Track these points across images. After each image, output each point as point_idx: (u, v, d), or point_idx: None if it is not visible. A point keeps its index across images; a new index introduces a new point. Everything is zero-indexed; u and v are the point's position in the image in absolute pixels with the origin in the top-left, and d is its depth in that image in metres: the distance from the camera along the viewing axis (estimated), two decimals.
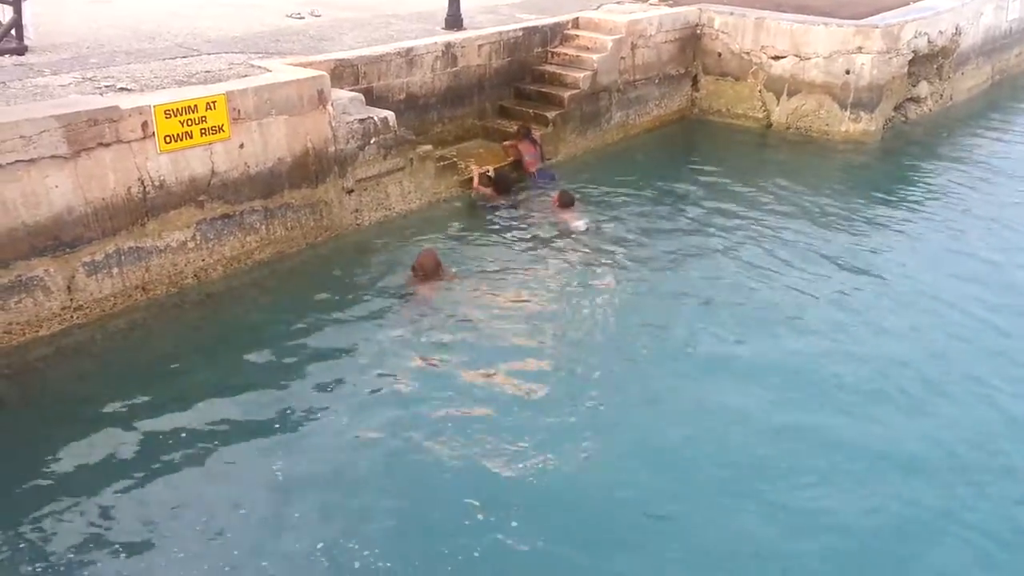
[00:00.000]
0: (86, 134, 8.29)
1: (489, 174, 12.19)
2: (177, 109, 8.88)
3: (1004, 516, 6.70)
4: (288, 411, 7.57)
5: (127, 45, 11.59)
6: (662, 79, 15.82)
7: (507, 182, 12.25)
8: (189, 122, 8.98)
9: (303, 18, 14.03)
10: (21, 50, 10.77)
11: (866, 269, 10.64)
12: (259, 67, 10.49)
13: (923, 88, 16.92)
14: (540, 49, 14.47)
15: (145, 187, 8.83)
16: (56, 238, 8.28)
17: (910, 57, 15.85)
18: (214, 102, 9.15)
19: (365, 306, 9.28)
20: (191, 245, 9.32)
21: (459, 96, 13.31)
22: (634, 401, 7.97)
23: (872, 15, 15.80)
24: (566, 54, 14.53)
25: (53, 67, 10.29)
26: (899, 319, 9.46)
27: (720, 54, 16.22)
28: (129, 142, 8.63)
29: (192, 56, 11.10)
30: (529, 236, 11.15)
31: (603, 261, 10.60)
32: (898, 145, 15.60)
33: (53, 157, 8.12)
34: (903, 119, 16.55)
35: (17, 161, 7.90)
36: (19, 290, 8.11)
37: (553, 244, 10.99)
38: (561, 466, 7.00)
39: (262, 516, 6.41)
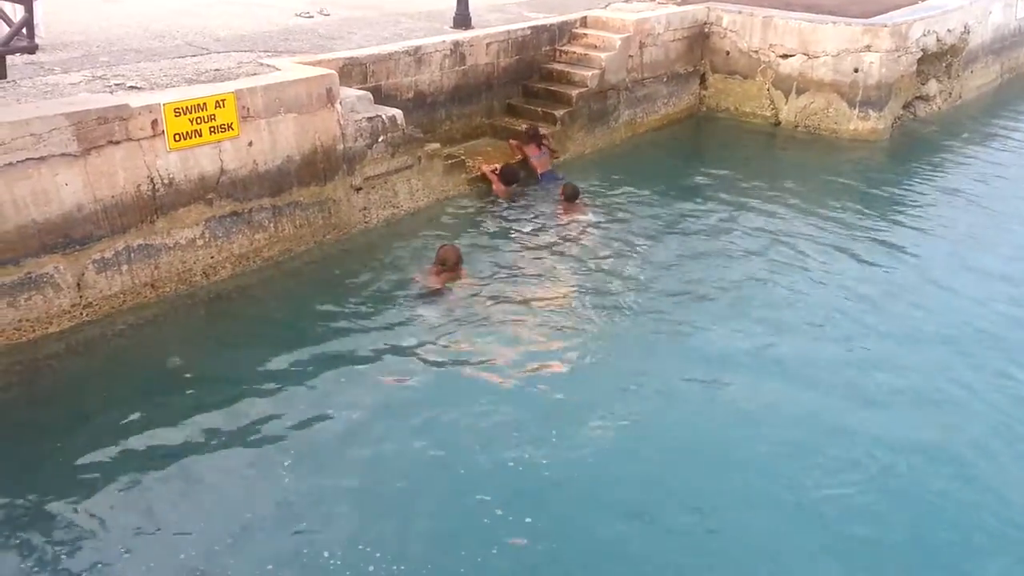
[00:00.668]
0: (96, 132, 8.34)
1: (495, 170, 12.22)
2: (186, 107, 8.92)
3: None
4: (298, 408, 7.59)
5: (137, 43, 11.64)
6: (670, 77, 15.81)
7: (512, 174, 12.26)
8: (198, 120, 9.01)
9: (312, 17, 14.07)
10: (32, 48, 10.81)
11: (877, 266, 10.64)
12: (268, 66, 10.53)
13: (932, 86, 16.88)
14: (548, 47, 14.48)
15: (154, 185, 8.87)
16: (66, 235, 8.32)
17: (919, 55, 15.81)
18: (223, 100, 9.19)
19: (373, 303, 9.30)
20: (200, 243, 9.36)
21: (467, 94, 13.33)
22: (648, 396, 7.99)
23: (881, 13, 15.75)
24: (574, 52, 14.53)
25: (63, 65, 10.35)
26: (911, 315, 9.46)
27: (728, 52, 16.21)
28: (139, 140, 8.67)
29: (201, 54, 11.14)
30: (536, 231, 11.19)
31: (611, 256, 10.62)
32: (907, 143, 15.57)
33: (63, 155, 8.17)
34: (912, 117, 16.52)
35: (28, 159, 7.95)
36: (29, 287, 8.16)
37: (560, 238, 11.04)
38: (575, 462, 7.02)
39: (270, 514, 6.43)
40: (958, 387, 8.20)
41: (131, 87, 9.45)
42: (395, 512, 6.48)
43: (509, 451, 7.10)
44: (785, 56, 15.65)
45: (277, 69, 10.33)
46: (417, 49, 12.38)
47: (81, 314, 8.57)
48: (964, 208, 12.68)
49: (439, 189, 11.87)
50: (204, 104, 9.04)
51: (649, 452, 7.24)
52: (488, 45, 13.44)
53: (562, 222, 11.51)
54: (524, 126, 13.24)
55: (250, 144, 9.54)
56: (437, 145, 11.97)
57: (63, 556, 5.99)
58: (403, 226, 11.16)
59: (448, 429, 7.37)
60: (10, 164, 7.83)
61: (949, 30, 16.54)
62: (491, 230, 11.19)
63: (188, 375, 8.02)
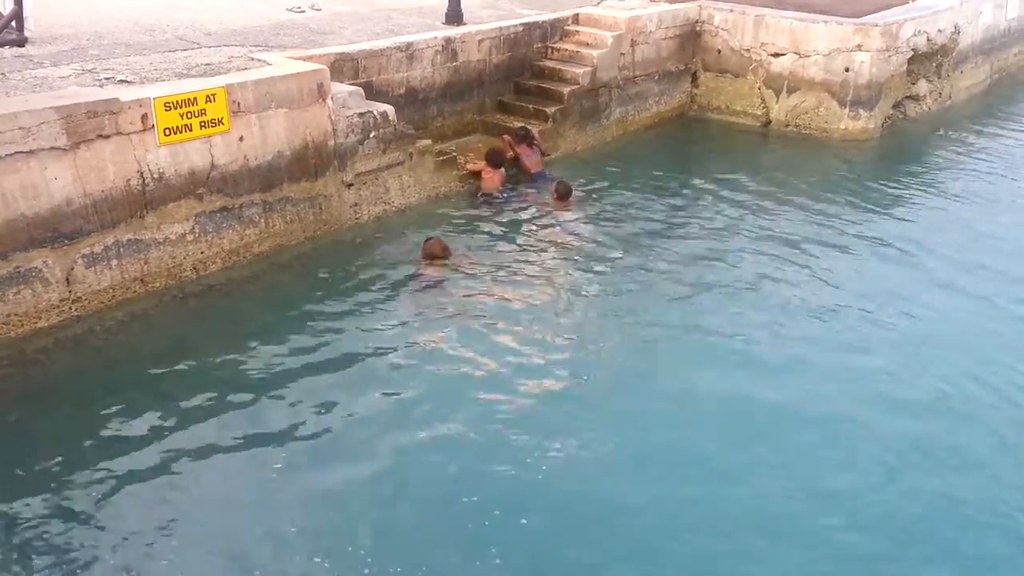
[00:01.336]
0: (85, 126, 8.30)
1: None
2: (177, 102, 8.88)
3: None
4: (287, 404, 7.58)
5: (127, 37, 11.59)
6: (662, 75, 15.82)
7: (498, 155, 12.24)
8: (189, 115, 8.98)
9: (304, 12, 14.02)
10: (21, 41, 10.77)
11: (867, 264, 10.69)
12: (259, 60, 10.49)
13: (922, 86, 16.94)
14: (540, 44, 14.48)
15: (144, 179, 8.83)
16: (55, 230, 8.28)
17: (909, 55, 15.87)
18: (214, 95, 9.15)
19: (363, 299, 9.29)
20: (190, 238, 9.33)
21: (459, 91, 13.31)
22: (641, 394, 8.03)
23: (872, 13, 15.80)
24: (566, 50, 14.53)
25: (53, 59, 10.29)
26: (902, 312, 9.49)
27: (720, 51, 16.22)
28: (128, 134, 8.63)
29: (192, 49, 11.10)
30: (528, 228, 11.20)
31: (603, 254, 10.64)
32: (897, 143, 15.64)
33: (52, 149, 8.13)
34: (902, 117, 16.58)
35: (16, 152, 7.90)
36: (18, 281, 8.12)
37: (552, 235, 11.06)
38: (567, 461, 7.02)
39: (261, 512, 6.41)
40: (956, 383, 8.25)
41: (121, 81, 9.40)
42: (386, 512, 6.47)
43: (500, 451, 7.10)
44: (776, 55, 15.68)
45: (268, 64, 10.30)
46: (409, 45, 12.36)
47: (70, 309, 8.53)
48: (954, 207, 12.73)
49: (430, 186, 11.85)
50: (194, 99, 9.00)
51: (643, 452, 7.25)
52: (480, 42, 13.42)
53: (554, 219, 11.51)
54: (517, 124, 13.21)
55: (241, 139, 9.51)
56: (428, 141, 11.95)
57: (47, 551, 5.96)
58: (394, 222, 11.15)
59: (439, 425, 7.36)
60: None
61: (939, 30, 16.60)
62: (482, 227, 11.18)
63: (177, 371, 7.99)
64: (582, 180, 12.85)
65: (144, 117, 8.69)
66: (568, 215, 11.65)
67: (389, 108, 11.11)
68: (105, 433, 7.10)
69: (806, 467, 7.13)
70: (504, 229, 11.15)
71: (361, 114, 10.74)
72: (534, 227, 11.26)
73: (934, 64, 17.11)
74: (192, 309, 9.06)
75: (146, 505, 6.42)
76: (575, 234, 11.13)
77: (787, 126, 15.81)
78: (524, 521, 6.40)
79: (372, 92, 11.60)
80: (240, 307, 9.18)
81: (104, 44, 11.17)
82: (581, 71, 14.13)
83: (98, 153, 8.45)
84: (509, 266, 10.15)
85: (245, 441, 7.12)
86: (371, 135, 10.85)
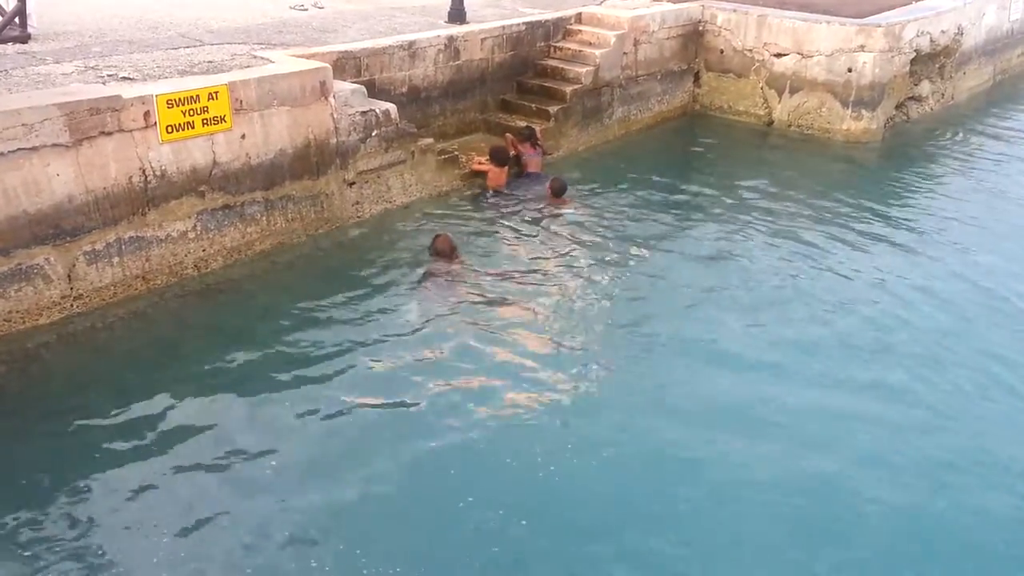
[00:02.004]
0: (88, 123, 8.30)
1: (484, 161, 12.23)
2: (179, 99, 8.88)
3: None
4: (288, 400, 7.58)
5: (130, 34, 11.59)
6: (664, 75, 15.82)
7: (503, 152, 12.26)
8: (191, 112, 8.98)
9: (306, 10, 14.03)
10: (24, 38, 10.77)
11: (868, 266, 10.64)
12: (262, 58, 10.50)
13: (925, 87, 16.93)
14: (543, 43, 14.47)
15: (146, 177, 8.84)
16: (57, 226, 8.29)
17: (912, 56, 15.85)
18: (216, 92, 9.15)
19: (365, 297, 9.29)
20: (192, 235, 9.33)
21: (461, 89, 13.31)
22: (646, 392, 8.04)
23: (875, 14, 15.79)
24: (569, 49, 14.52)
25: (56, 56, 10.30)
26: (900, 317, 9.47)
27: (722, 51, 16.22)
28: (131, 131, 8.64)
29: (195, 46, 11.10)
30: (527, 226, 11.20)
31: (607, 253, 10.63)
32: (899, 144, 15.62)
33: (55, 145, 8.13)
34: (905, 118, 16.56)
35: (19, 149, 7.90)
36: (19, 278, 8.12)
37: (551, 233, 11.07)
38: (575, 462, 7.02)
39: (259, 509, 6.40)
40: (974, 381, 8.30)
41: (124, 78, 9.41)
42: (389, 516, 6.44)
43: (506, 452, 7.08)
44: (779, 55, 15.67)
45: (271, 62, 10.30)
46: (411, 43, 12.36)
47: (71, 306, 8.54)
48: (956, 208, 12.69)
49: (432, 184, 11.85)
50: (197, 96, 9.01)
51: (652, 452, 7.24)
52: (483, 40, 13.42)
53: (551, 217, 11.52)
54: (520, 123, 13.21)
55: (243, 137, 9.51)
56: (431, 140, 11.95)
57: (48, 546, 5.96)
58: (396, 221, 11.14)
59: (444, 425, 7.35)
60: (1, 154, 7.79)
61: (943, 31, 16.59)
62: (483, 225, 11.18)
63: (178, 368, 8.00)
64: (584, 179, 12.86)
65: (147, 114, 8.69)
66: (568, 213, 11.65)
67: (391, 106, 11.11)
68: (106, 430, 7.09)
69: (823, 467, 7.12)
70: (506, 227, 11.15)
71: (363, 112, 10.74)
72: (533, 224, 11.25)
73: (937, 65, 17.09)
74: (194, 307, 9.06)
75: (146, 504, 6.42)
76: (578, 233, 11.11)
77: (789, 126, 15.80)
78: (524, 522, 6.39)
79: (374, 90, 11.60)
80: (242, 305, 9.18)
81: (107, 41, 11.17)
82: (584, 70, 14.13)
83: (100, 150, 8.45)
84: (513, 264, 10.15)
85: (247, 440, 7.10)
86: (373, 133, 10.86)
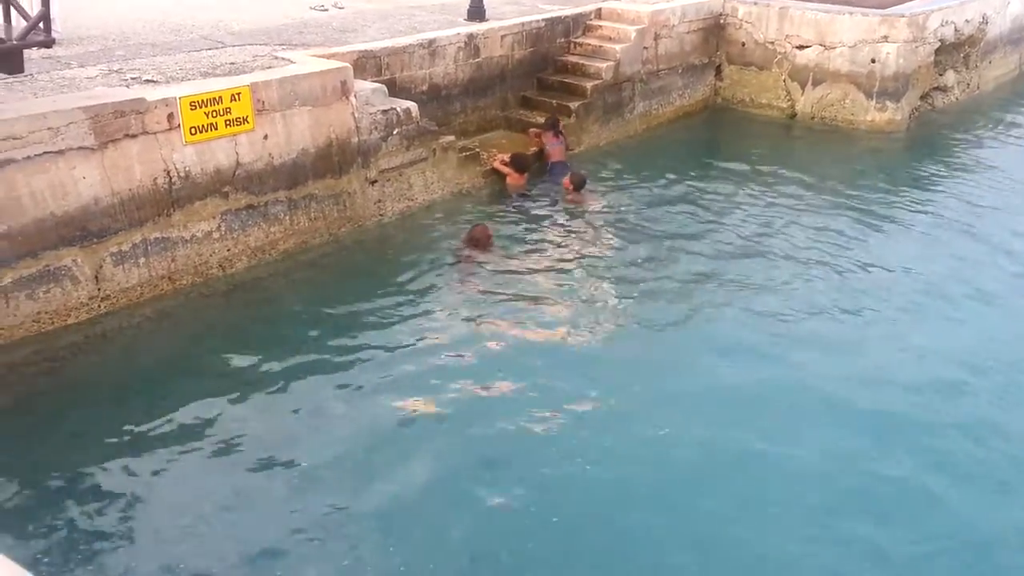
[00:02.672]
0: (113, 126, 8.39)
1: (505, 161, 12.23)
2: (202, 101, 8.95)
3: None
4: (314, 398, 7.63)
5: (153, 37, 11.69)
6: (685, 69, 15.75)
7: (523, 160, 12.28)
8: (214, 113, 9.05)
9: (327, 10, 14.08)
10: (49, 43, 10.83)
11: (897, 259, 10.57)
12: (283, 59, 10.55)
13: (950, 77, 16.75)
14: (563, 39, 14.45)
15: (171, 178, 8.91)
16: (84, 228, 8.38)
17: (936, 46, 15.70)
18: (239, 94, 9.21)
19: (388, 295, 9.32)
20: (216, 235, 9.40)
21: (482, 87, 13.32)
22: (670, 390, 8.01)
23: (898, 4, 15.64)
24: (589, 44, 14.49)
25: (80, 59, 10.40)
26: (926, 308, 9.41)
27: (744, 44, 16.12)
28: (155, 133, 8.72)
29: (217, 48, 11.18)
30: (549, 222, 11.23)
31: (628, 247, 10.68)
32: (924, 134, 15.47)
33: (80, 148, 8.22)
34: (930, 108, 16.40)
35: (45, 152, 8.00)
36: (48, 280, 8.22)
37: (573, 228, 11.12)
38: (607, 458, 7.02)
39: (285, 507, 6.43)
40: (995, 374, 8.22)
41: (147, 81, 9.49)
42: (416, 515, 6.42)
43: (534, 447, 7.10)
44: (801, 47, 15.56)
45: (292, 62, 10.35)
46: (431, 42, 12.38)
47: (99, 306, 8.63)
48: (983, 198, 12.58)
49: (454, 182, 11.87)
50: (219, 97, 9.07)
51: (671, 450, 7.21)
52: (503, 37, 13.42)
53: (572, 212, 11.54)
54: (540, 120, 13.20)
55: (265, 137, 9.57)
56: (452, 138, 11.97)
57: (75, 541, 6.03)
58: (418, 219, 11.18)
59: (464, 426, 7.36)
60: (28, 157, 7.89)
61: (967, 20, 16.40)
62: (505, 222, 11.18)
63: (205, 366, 8.06)
64: (606, 175, 12.84)
65: (170, 116, 8.77)
66: (585, 207, 11.67)
67: (412, 105, 11.14)
68: (133, 428, 7.16)
69: (851, 457, 7.09)
70: (526, 223, 11.17)
71: (384, 111, 10.77)
72: (555, 220, 11.28)
73: (962, 55, 16.91)
74: (219, 306, 9.13)
75: (172, 503, 6.46)
76: (601, 227, 11.12)
77: (813, 119, 15.68)
78: (556, 519, 6.40)
79: (395, 89, 11.62)
80: (267, 304, 9.24)
81: (130, 44, 11.27)
82: (604, 66, 14.09)
83: (125, 152, 8.54)
84: (537, 259, 10.20)
85: (273, 438, 7.15)
86: (394, 132, 10.89)
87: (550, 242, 10.68)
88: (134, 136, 8.57)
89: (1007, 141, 15.26)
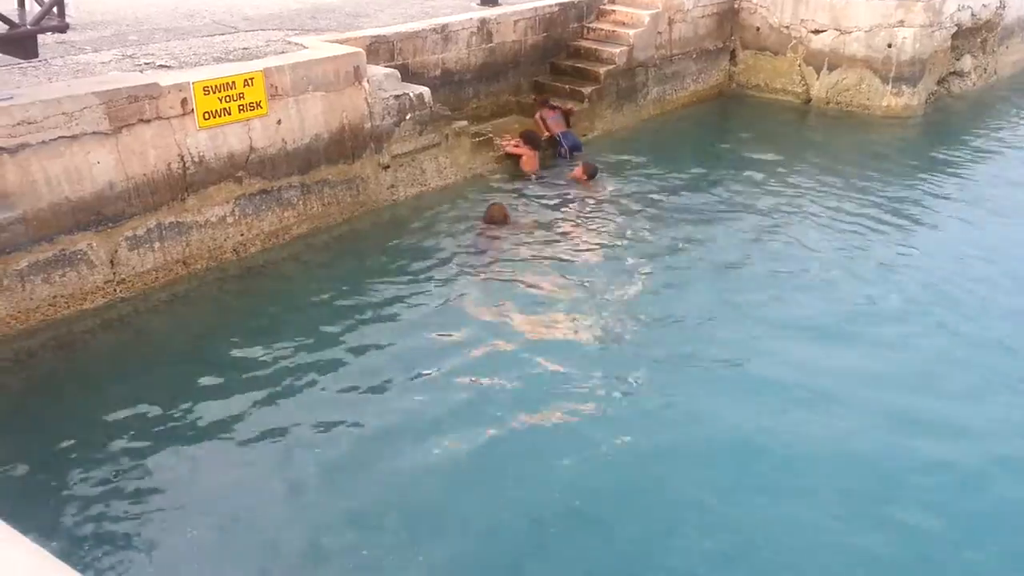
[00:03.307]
0: (127, 111, 8.41)
1: (517, 143, 12.25)
2: (216, 86, 8.96)
3: None
4: (327, 386, 7.64)
5: (166, 23, 11.70)
6: (699, 54, 15.66)
7: (534, 136, 12.33)
8: (227, 99, 9.06)
9: None
10: (63, 28, 10.86)
11: (914, 246, 10.52)
12: (296, 44, 10.55)
13: (967, 62, 16.60)
14: (576, 24, 14.39)
15: (185, 163, 8.94)
16: (99, 213, 8.42)
17: (953, 31, 15.55)
18: (252, 79, 9.22)
19: (401, 280, 9.34)
20: (230, 220, 9.43)
21: (494, 72, 13.29)
22: (694, 376, 7.99)
23: None
24: (602, 29, 14.43)
25: (94, 44, 10.43)
26: (943, 296, 9.33)
27: (759, 28, 16.02)
28: (169, 118, 8.74)
29: (230, 33, 11.18)
30: (562, 209, 11.22)
31: (639, 232, 10.62)
32: (941, 120, 15.35)
33: (95, 133, 8.25)
34: (946, 93, 16.26)
35: (60, 137, 8.03)
36: (63, 264, 8.27)
37: (586, 215, 11.09)
38: (625, 448, 6.98)
39: (301, 497, 6.44)
40: (996, 369, 8.12)
41: (161, 66, 9.51)
42: (436, 505, 6.40)
43: (553, 437, 7.08)
44: (817, 32, 15.45)
45: (305, 47, 10.35)
46: (444, 27, 12.35)
47: (114, 291, 8.68)
48: (1001, 185, 12.47)
49: (466, 167, 11.86)
50: (233, 83, 9.08)
51: (688, 442, 7.16)
52: (515, 22, 13.38)
53: (585, 199, 11.51)
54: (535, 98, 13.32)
55: (278, 122, 9.58)
56: (464, 123, 11.96)
57: (89, 526, 6.07)
58: (430, 204, 11.17)
59: (476, 414, 7.33)
60: (43, 142, 7.92)
61: (984, 5, 16.22)
62: (518, 207, 11.17)
63: (219, 350, 8.10)
64: (619, 161, 12.80)
65: (184, 101, 8.79)
66: (597, 194, 11.64)
67: (425, 90, 11.13)
68: (148, 411, 7.20)
69: (877, 445, 7.03)
70: (539, 209, 11.14)
71: (397, 96, 10.76)
72: (568, 207, 11.27)
73: (979, 39, 16.74)
74: (233, 291, 9.17)
75: (186, 487, 6.50)
76: (612, 215, 11.08)
77: (828, 104, 15.58)
78: (578, 502, 6.39)
79: (408, 74, 11.61)
80: (280, 289, 9.27)
81: (144, 29, 11.29)
82: (617, 51, 14.03)
83: (139, 137, 8.56)
84: (550, 247, 10.17)
85: (288, 423, 7.17)
86: (407, 117, 10.88)
87: (566, 228, 10.67)
88: (148, 121, 8.59)
89: None
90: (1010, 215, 11.35)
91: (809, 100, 15.77)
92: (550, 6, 13.94)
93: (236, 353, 8.05)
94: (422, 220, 10.73)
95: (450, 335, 8.37)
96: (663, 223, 10.90)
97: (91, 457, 6.70)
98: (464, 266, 9.65)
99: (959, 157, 13.55)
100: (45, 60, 9.53)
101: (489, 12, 13.12)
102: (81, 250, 8.37)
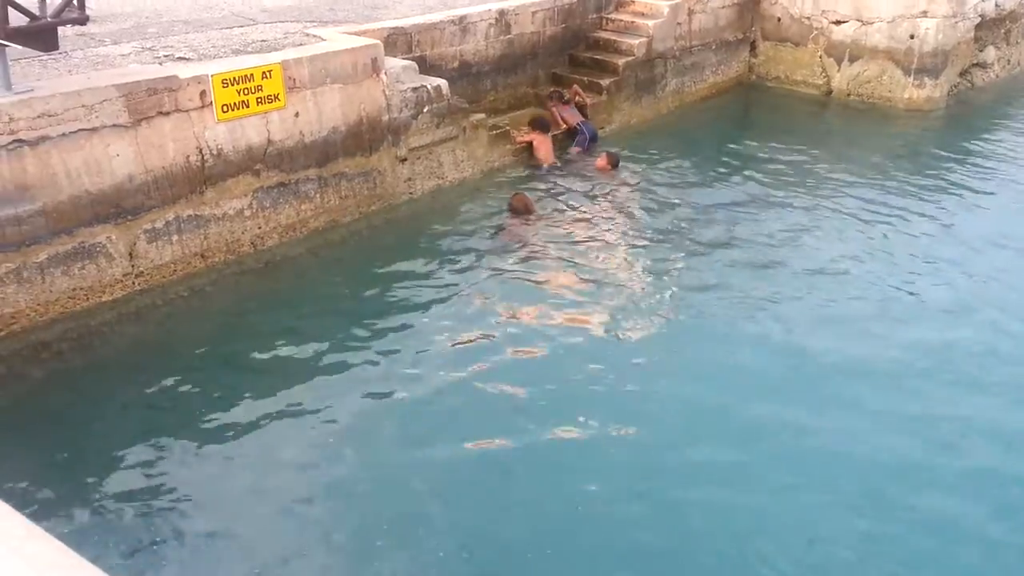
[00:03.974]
0: (146, 103, 8.42)
1: (528, 131, 12.25)
2: (234, 78, 8.96)
3: None
4: (346, 378, 7.65)
5: (185, 15, 11.71)
6: (719, 45, 15.54)
7: (544, 120, 12.34)
8: (246, 91, 9.06)
9: None
10: (83, 20, 10.88)
11: (935, 238, 10.42)
12: (314, 36, 10.53)
13: (990, 53, 16.39)
14: (595, 15, 14.30)
15: (203, 156, 8.95)
16: (118, 206, 8.44)
17: (977, 22, 15.36)
18: (270, 71, 9.22)
19: (418, 273, 9.33)
20: (248, 213, 9.45)
21: (512, 64, 13.23)
22: (703, 367, 7.98)
23: None
24: (621, 20, 14.33)
25: (113, 37, 10.45)
26: (965, 291, 9.25)
27: (779, 19, 15.88)
28: (188, 111, 8.75)
29: (248, 25, 11.18)
30: (582, 200, 11.17)
31: (665, 225, 10.59)
32: (963, 112, 15.16)
33: (114, 126, 8.27)
34: (969, 85, 16.07)
35: (80, 130, 8.05)
36: (83, 256, 8.31)
37: (606, 207, 11.04)
38: (643, 441, 6.97)
39: (316, 487, 6.46)
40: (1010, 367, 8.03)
41: (180, 58, 9.52)
42: (458, 502, 6.40)
43: (571, 431, 7.06)
44: (838, 22, 15.29)
45: (323, 39, 10.33)
46: (462, 18, 12.30)
47: (133, 283, 8.71)
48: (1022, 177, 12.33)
49: (484, 160, 11.83)
50: (251, 75, 9.08)
51: (714, 435, 7.14)
52: (534, 14, 13.31)
53: (608, 191, 11.46)
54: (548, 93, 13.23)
55: (296, 115, 9.57)
56: (482, 115, 11.92)
57: (105, 517, 6.12)
58: (448, 197, 11.15)
59: (499, 404, 7.34)
60: (63, 135, 7.95)
61: None
62: (537, 200, 11.12)
63: (236, 345, 8.12)
64: (637, 153, 12.73)
65: (203, 94, 8.79)
66: (618, 185, 11.60)
67: (443, 82, 11.09)
68: (167, 404, 7.26)
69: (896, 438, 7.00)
70: (559, 201, 11.10)
71: (415, 88, 10.73)
72: (588, 198, 11.23)
73: (1003, 30, 16.53)
74: (251, 284, 9.19)
75: (204, 479, 6.54)
76: (629, 205, 11.04)
77: (849, 95, 15.43)
78: (594, 488, 6.40)
79: (425, 66, 11.58)
80: (298, 282, 9.28)
81: (163, 22, 11.31)
82: (636, 42, 13.94)
83: (158, 130, 8.58)
84: (566, 238, 10.16)
85: (305, 416, 7.19)
86: (425, 110, 10.85)
87: (590, 219, 10.65)
88: (167, 114, 8.60)
89: None
90: None
91: (830, 92, 15.63)
92: None
93: (254, 347, 8.06)
94: (440, 213, 10.72)
95: (467, 332, 8.32)
96: (688, 215, 10.84)
97: (108, 449, 6.74)
98: (483, 258, 9.63)
99: (983, 149, 13.40)
100: (65, 53, 9.55)
101: (507, 3, 13.05)
102: (100, 243, 8.40)
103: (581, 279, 9.26)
